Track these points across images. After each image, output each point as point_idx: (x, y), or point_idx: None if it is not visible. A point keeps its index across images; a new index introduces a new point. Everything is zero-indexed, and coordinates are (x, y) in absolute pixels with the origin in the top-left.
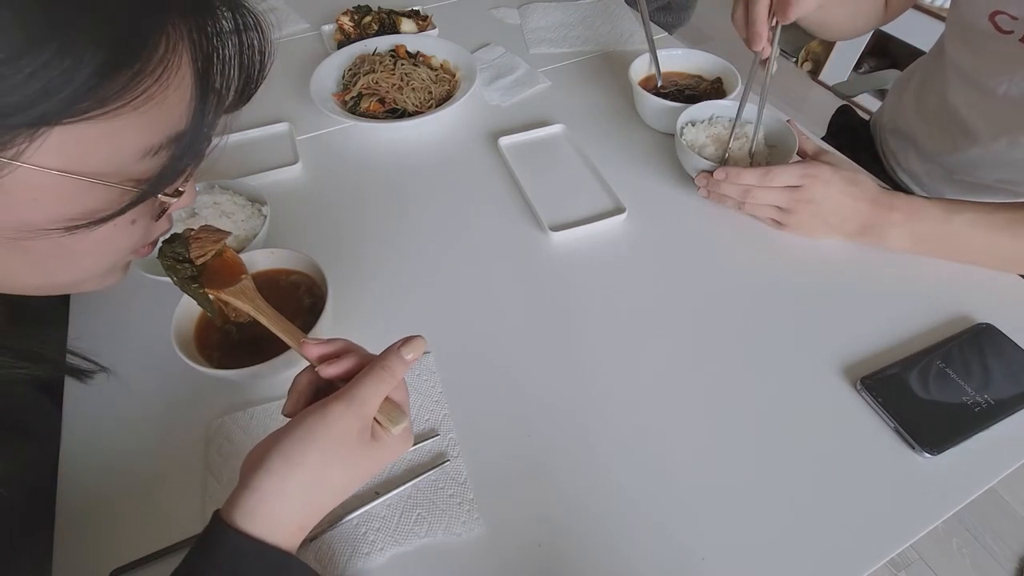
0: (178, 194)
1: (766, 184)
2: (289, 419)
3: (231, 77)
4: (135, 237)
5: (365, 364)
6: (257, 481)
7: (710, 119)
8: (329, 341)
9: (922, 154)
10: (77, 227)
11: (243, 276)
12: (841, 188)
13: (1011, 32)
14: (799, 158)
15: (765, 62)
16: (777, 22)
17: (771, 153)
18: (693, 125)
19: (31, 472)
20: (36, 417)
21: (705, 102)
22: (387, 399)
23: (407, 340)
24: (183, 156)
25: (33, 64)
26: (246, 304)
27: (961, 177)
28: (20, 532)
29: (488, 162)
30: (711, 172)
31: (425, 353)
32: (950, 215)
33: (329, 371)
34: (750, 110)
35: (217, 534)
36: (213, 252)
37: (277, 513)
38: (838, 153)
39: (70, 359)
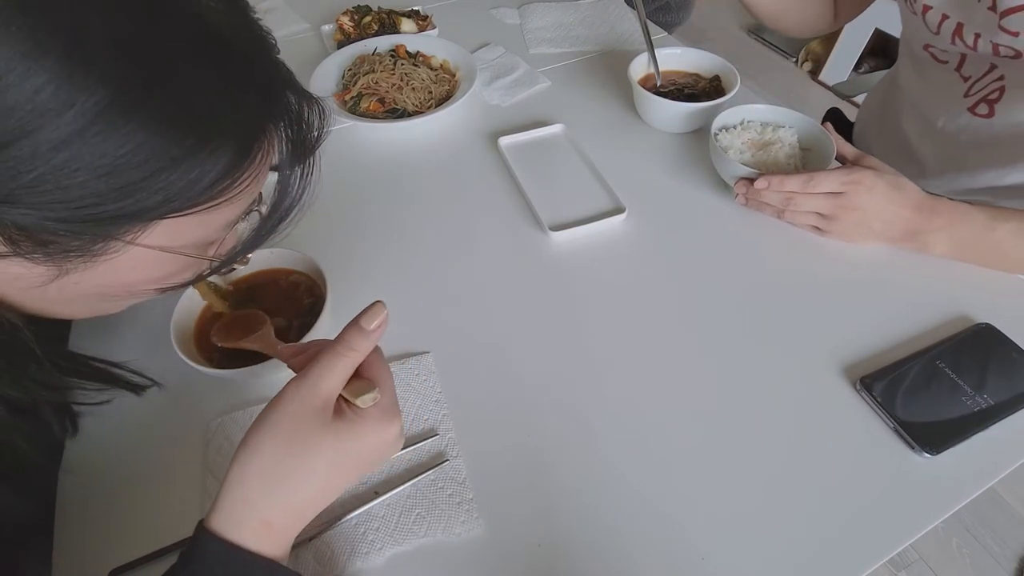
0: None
1: (810, 191)
2: None
3: (296, 153)
4: None
5: None
6: (226, 474)
7: (741, 123)
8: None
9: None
10: (168, 289)
11: (263, 325)
12: (885, 194)
13: (946, 62)
14: (837, 163)
15: None
16: None
17: (806, 157)
18: (726, 131)
19: (38, 468)
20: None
21: (737, 107)
22: (357, 376)
23: (365, 309)
24: (262, 233)
25: (179, 171)
26: (264, 349)
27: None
28: (25, 529)
29: (488, 162)
30: (750, 179)
31: (424, 353)
32: (995, 222)
33: (298, 362)
34: (781, 114)
35: (194, 538)
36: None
37: (238, 503)
38: (874, 159)
39: (126, 375)
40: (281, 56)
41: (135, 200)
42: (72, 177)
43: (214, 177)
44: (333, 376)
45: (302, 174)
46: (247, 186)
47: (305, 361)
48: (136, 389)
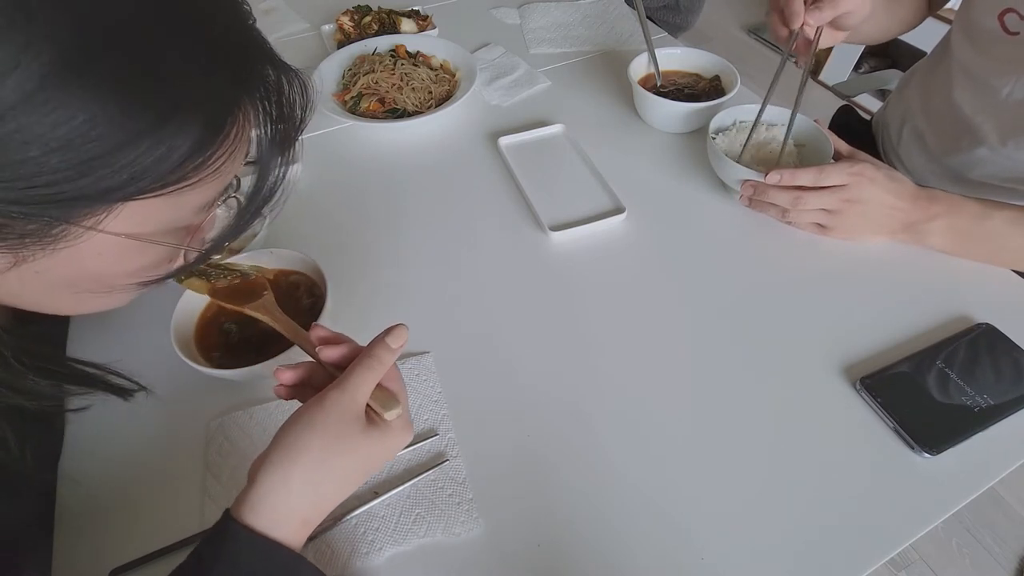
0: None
1: (821, 183)
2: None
3: (275, 132)
4: None
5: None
6: (262, 475)
7: (735, 124)
8: (334, 334)
9: (928, 152)
10: (148, 283)
11: (265, 292)
12: (885, 185)
13: (1017, 33)
14: (831, 161)
15: (808, 46)
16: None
17: (800, 153)
18: (723, 133)
19: (39, 465)
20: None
21: (731, 108)
22: (380, 387)
23: (390, 329)
24: (243, 219)
25: (144, 146)
26: (265, 317)
27: (969, 176)
28: (25, 527)
29: (488, 162)
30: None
31: (424, 353)
32: (989, 211)
33: (328, 353)
34: (775, 113)
35: (226, 529)
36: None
37: (281, 504)
38: (867, 155)
39: (111, 378)
40: (280, 55)
41: (95, 179)
42: (21, 151)
43: (183, 154)
44: (367, 387)
45: (282, 155)
46: (221, 165)
47: (338, 355)
48: (122, 394)
